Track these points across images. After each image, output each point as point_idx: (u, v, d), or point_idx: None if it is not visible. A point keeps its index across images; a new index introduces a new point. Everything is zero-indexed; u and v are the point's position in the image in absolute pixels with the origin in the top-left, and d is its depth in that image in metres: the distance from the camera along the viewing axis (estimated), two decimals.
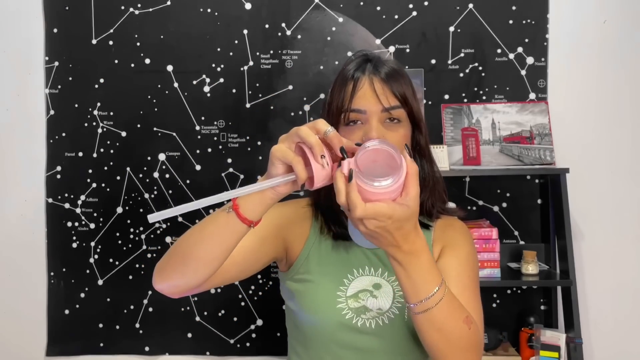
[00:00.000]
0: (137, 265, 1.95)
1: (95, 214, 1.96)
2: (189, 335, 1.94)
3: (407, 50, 1.89)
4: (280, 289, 1.12)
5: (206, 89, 1.94)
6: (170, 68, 1.94)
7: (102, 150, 1.96)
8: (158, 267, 0.89)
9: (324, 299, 1.00)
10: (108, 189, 1.95)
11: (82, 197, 1.96)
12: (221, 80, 1.93)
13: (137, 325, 1.95)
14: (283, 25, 1.92)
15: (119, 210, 1.95)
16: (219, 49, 1.93)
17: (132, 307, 1.95)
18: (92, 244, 1.96)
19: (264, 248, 1.01)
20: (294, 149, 0.76)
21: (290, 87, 1.93)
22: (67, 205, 1.96)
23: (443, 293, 0.81)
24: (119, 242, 1.95)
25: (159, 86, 1.94)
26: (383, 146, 0.73)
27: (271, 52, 1.93)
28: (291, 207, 1.09)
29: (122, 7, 1.94)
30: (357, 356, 0.98)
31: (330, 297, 0.99)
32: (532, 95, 1.87)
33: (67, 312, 1.96)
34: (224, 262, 0.86)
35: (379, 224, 0.73)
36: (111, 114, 1.96)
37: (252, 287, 1.93)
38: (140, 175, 1.95)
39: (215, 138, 1.94)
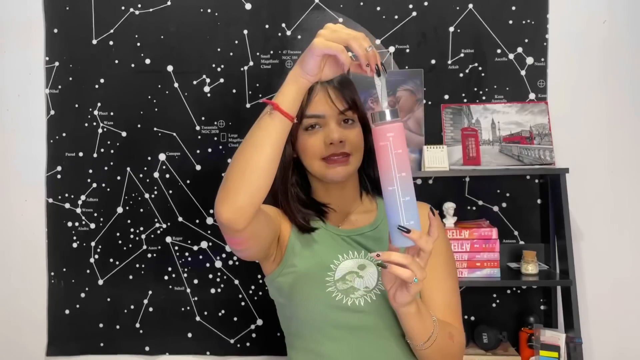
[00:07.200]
0: (137, 265, 1.95)
1: (95, 214, 1.96)
2: (189, 335, 1.94)
3: (407, 51, 1.90)
4: (269, 294, 1.18)
5: (206, 89, 1.94)
6: (170, 68, 1.94)
7: (102, 150, 1.96)
8: (219, 195, 0.91)
9: (314, 286, 1.06)
10: (108, 189, 1.96)
11: (83, 197, 1.96)
12: (221, 80, 1.93)
13: (137, 325, 1.95)
14: (283, 25, 1.92)
15: (119, 210, 1.95)
16: (219, 49, 1.93)
17: (132, 307, 1.95)
18: (93, 244, 1.96)
19: (272, 222, 1.07)
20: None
21: None
22: (67, 205, 1.96)
23: (437, 330, 0.98)
24: (119, 242, 1.95)
25: (159, 86, 1.94)
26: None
27: (271, 52, 1.93)
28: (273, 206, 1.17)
29: (122, 7, 1.94)
30: (351, 334, 1.04)
31: (319, 284, 1.06)
32: (532, 96, 1.87)
33: (67, 312, 1.96)
34: (276, 167, 0.92)
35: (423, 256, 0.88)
36: (111, 114, 1.96)
37: (252, 287, 1.93)
38: (141, 175, 1.95)
39: (216, 138, 1.94)
